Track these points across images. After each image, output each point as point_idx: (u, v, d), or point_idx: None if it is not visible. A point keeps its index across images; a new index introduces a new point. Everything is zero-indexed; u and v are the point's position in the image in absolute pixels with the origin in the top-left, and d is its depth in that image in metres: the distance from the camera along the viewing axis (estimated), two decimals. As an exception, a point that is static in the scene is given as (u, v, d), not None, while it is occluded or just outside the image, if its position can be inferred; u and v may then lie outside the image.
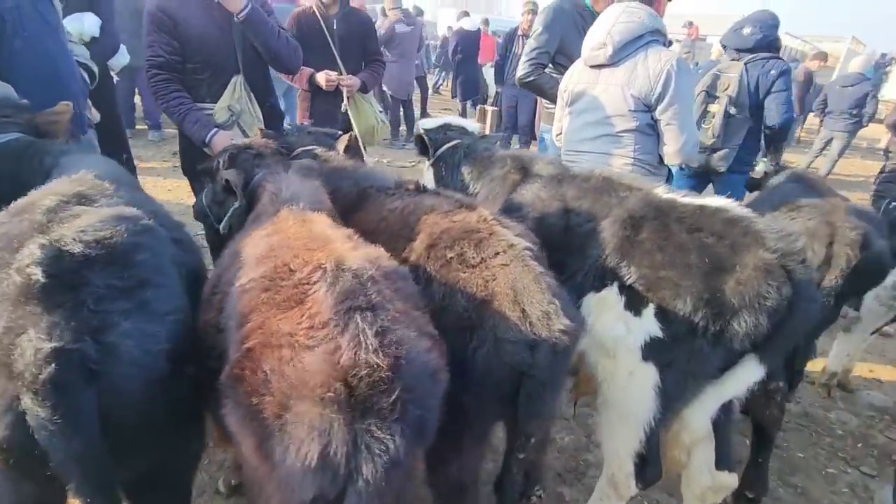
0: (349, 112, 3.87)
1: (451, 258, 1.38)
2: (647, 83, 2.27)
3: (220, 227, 2.06)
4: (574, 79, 2.60)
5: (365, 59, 3.94)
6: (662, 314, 1.43)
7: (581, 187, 1.79)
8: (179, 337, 1.06)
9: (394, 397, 0.83)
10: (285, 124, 2.66)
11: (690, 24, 15.10)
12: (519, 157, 2.22)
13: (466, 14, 10.02)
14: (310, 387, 0.82)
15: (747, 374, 1.48)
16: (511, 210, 2.02)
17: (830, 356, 3.34)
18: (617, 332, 1.56)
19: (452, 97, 11.09)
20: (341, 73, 3.77)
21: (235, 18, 2.55)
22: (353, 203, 1.95)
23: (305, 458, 0.81)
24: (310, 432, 0.81)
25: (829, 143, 7.69)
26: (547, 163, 2.11)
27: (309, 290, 0.99)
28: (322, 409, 0.81)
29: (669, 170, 2.64)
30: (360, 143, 3.91)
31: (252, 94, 2.74)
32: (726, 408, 1.65)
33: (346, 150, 2.34)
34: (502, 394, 1.25)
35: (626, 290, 1.53)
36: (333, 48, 3.78)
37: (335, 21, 3.75)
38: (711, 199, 1.53)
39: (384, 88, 8.83)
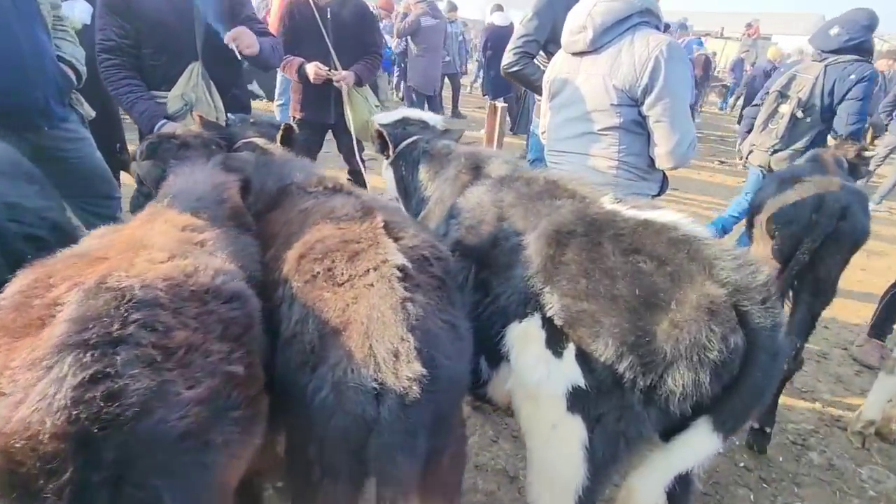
0: (345, 107, 3.72)
1: (317, 273, 1.13)
2: (632, 72, 1.92)
3: (144, 222, 1.90)
4: (556, 69, 2.28)
5: (362, 51, 3.75)
6: (583, 358, 1.12)
7: (519, 192, 1.49)
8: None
9: (65, 478, 0.59)
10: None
11: (750, 25, 14.63)
12: (474, 155, 1.93)
13: (499, 8, 9.62)
14: (-39, 455, 0.60)
15: (701, 443, 1.13)
16: (452, 216, 1.75)
17: (868, 399, 2.82)
18: (538, 374, 1.25)
19: (484, 95, 10.76)
20: (335, 66, 3.61)
21: (240, 55, 2.51)
22: (272, 201, 1.74)
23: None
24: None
25: (895, 150, 6.79)
26: (502, 162, 1.82)
27: (57, 313, 0.78)
28: (-27, 489, 0.59)
29: (664, 175, 2.26)
30: (354, 139, 3.73)
31: (211, 83, 2.59)
32: (684, 480, 1.30)
33: (286, 141, 2.13)
34: (353, 449, 0.99)
35: (547, 322, 1.22)
36: (327, 39, 3.61)
37: (329, 10, 3.58)
38: (662, 213, 1.19)
39: (408, 83, 8.65)
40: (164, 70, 2.51)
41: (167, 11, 2.43)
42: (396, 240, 1.21)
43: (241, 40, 2.47)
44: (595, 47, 2.01)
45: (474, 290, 1.48)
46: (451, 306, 1.17)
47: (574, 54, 2.14)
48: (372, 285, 1.04)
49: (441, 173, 2.02)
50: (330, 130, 3.88)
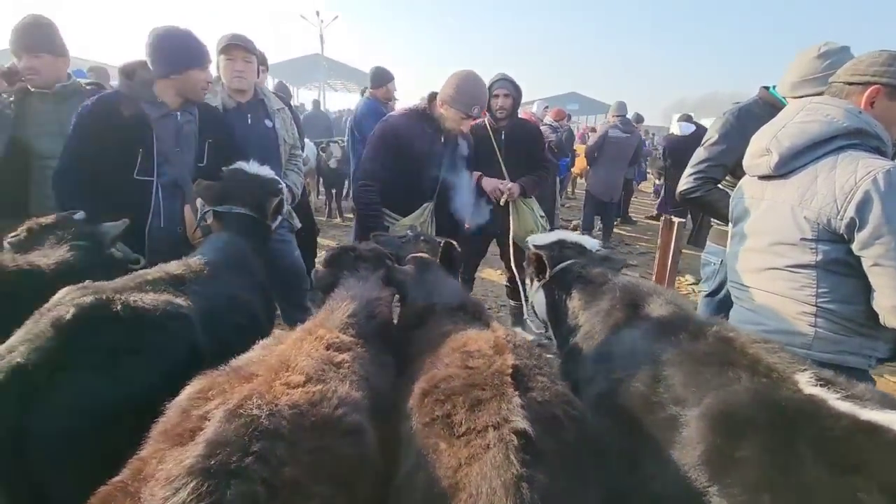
0: (510, 215, 3.91)
1: (437, 416, 1.07)
2: (832, 204, 1.55)
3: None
4: (739, 191, 2.01)
5: (531, 166, 3.99)
6: None
7: (681, 348, 1.25)
8: None
9: None
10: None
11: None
12: (633, 289, 1.74)
13: (687, 118, 9.33)
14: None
15: None
16: (600, 359, 1.57)
17: None
18: None
19: (658, 213, 10.23)
20: (504, 179, 3.89)
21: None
22: (418, 318, 1.80)
23: None
24: None
25: None
26: (664, 302, 1.59)
27: (205, 426, 0.87)
28: None
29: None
30: (511, 248, 3.84)
31: (434, 218, 3.04)
32: None
33: (445, 258, 2.25)
34: None
35: (712, 536, 0.92)
36: (499, 156, 3.94)
37: (503, 132, 3.94)
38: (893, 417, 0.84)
39: (587, 188, 8.72)
40: (405, 201, 3.05)
41: (426, 160, 3.01)
42: (526, 391, 1.10)
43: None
44: (781, 172, 1.72)
45: (618, 459, 1.24)
46: (582, 486, 0.98)
47: (761, 178, 1.87)
48: (488, 447, 0.94)
49: (593, 304, 1.87)
50: (495, 239, 4.10)
